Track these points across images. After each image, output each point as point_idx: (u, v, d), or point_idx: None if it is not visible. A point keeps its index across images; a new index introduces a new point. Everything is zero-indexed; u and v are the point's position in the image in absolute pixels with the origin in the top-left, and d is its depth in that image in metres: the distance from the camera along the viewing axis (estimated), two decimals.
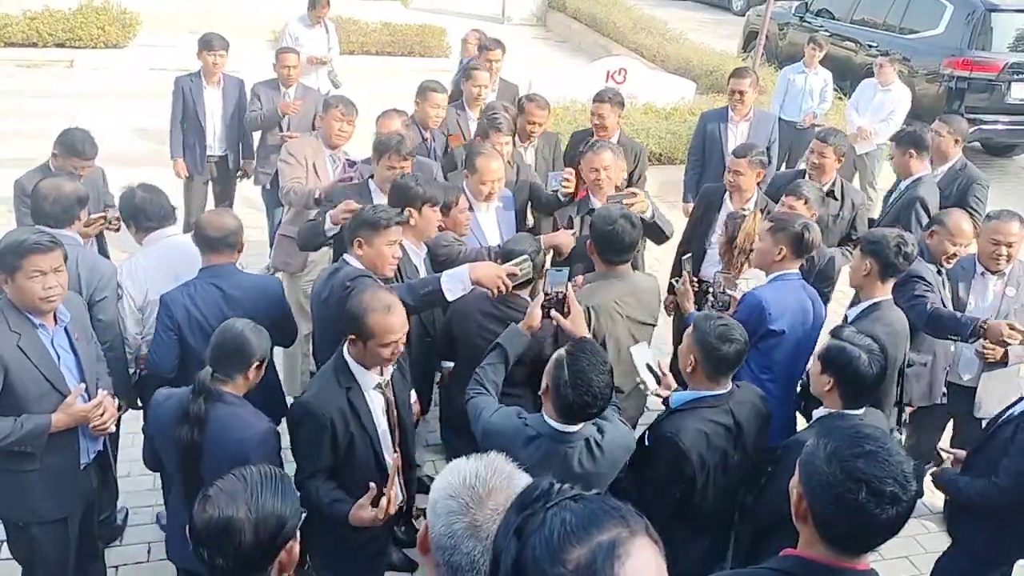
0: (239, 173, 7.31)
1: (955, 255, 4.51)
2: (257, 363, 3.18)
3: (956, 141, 5.80)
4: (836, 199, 5.35)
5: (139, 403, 4.10)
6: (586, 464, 2.81)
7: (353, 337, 3.08)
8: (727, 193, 5.10)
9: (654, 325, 4.10)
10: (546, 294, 3.37)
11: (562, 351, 2.81)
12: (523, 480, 1.76)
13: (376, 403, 3.20)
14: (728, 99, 6.65)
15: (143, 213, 3.94)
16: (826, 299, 4.45)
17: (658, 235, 4.80)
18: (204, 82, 6.83)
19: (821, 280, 4.50)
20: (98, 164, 5.41)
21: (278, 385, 4.06)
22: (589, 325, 3.62)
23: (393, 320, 3.04)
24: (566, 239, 4.39)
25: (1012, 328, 4.04)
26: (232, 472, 2.12)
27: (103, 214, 4.39)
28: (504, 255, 3.86)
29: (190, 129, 6.88)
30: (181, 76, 6.93)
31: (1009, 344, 4.14)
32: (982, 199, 5.65)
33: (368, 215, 3.69)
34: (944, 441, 4.82)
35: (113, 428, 3.56)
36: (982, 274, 4.50)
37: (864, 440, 1.96)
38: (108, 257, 4.81)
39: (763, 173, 5.10)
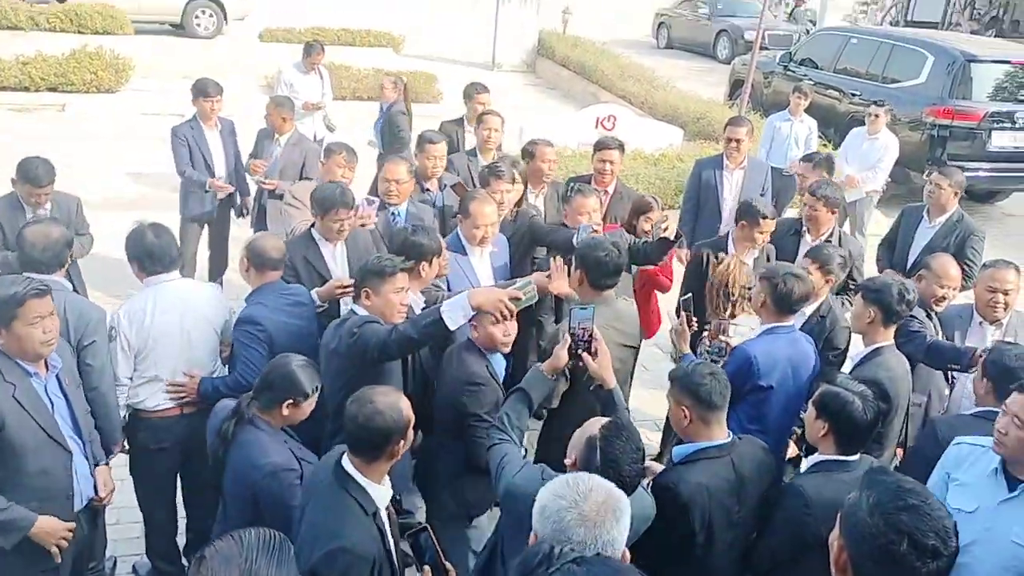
0: (242, 210, 7.30)
1: (943, 298, 4.54)
2: (292, 400, 3.22)
3: (956, 193, 5.81)
4: None
5: (126, 447, 4.07)
6: None
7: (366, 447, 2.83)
8: (730, 241, 5.14)
9: (636, 348, 4.17)
10: (572, 334, 3.28)
11: (596, 430, 2.73)
12: (613, 486, 2.20)
13: (384, 520, 2.95)
14: (724, 147, 6.70)
15: (150, 257, 3.90)
16: (835, 367, 4.41)
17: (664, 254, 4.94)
18: (203, 126, 6.87)
19: (829, 348, 4.38)
20: (90, 204, 5.48)
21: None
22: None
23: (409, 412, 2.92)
24: (541, 279, 4.39)
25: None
26: (231, 533, 2.10)
27: None
28: None
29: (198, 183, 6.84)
30: (178, 126, 6.92)
31: None
32: (978, 250, 5.66)
33: (373, 264, 3.73)
34: None
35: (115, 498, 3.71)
36: (980, 324, 4.51)
37: (907, 494, 1.98)
38: (84, 293, 5.05)
39: (837, 213, 5.32)
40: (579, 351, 3.29)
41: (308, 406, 3.29)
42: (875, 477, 2.11)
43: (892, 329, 4.04)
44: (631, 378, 4.29)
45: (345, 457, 2.84)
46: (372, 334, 3.49)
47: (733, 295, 4.69)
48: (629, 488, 2.69)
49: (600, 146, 6.00)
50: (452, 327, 3.41)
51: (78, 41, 13.71)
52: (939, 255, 4.68)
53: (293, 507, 3.00)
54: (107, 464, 3.78)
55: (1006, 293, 4.37)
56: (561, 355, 3.30)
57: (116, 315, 3.89)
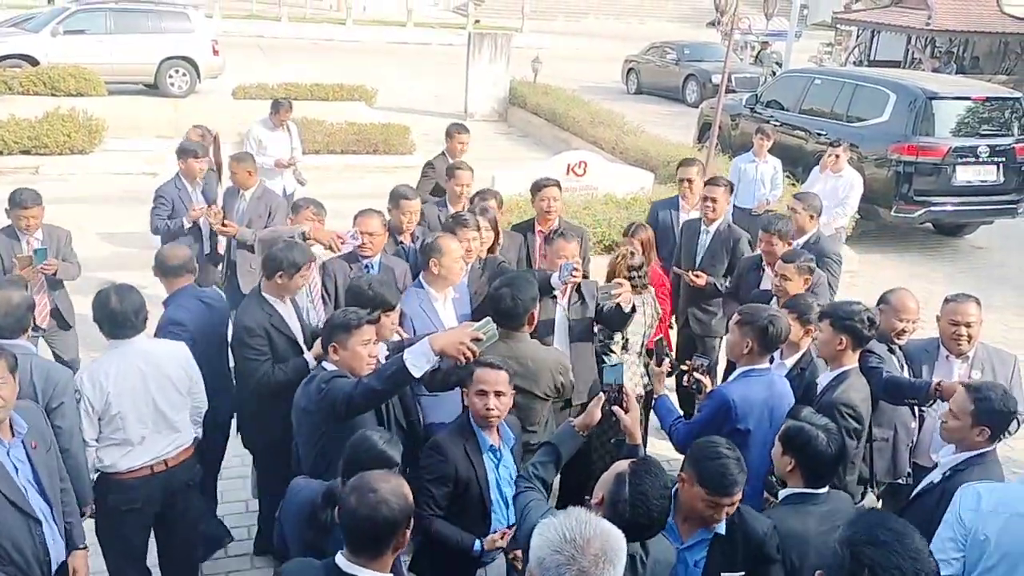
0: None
1: (904, 331, 4.56)
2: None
3: (811, 217, 6.12)
4: None
5: (93, 509, 4.01)
6: None
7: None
8: (773, 299, 5.03)
9: (544, 399, 4.21)
10: (604, 390, 3.38)
11: (626, 467, 2.76)
12: (614, 529, 2.19)
13: None
14: (678, 188, 6.79)
15: (112, 322, 3.89)
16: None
17: (623, 323, 4.92)
18: (188, 186, 6.82)
19: (804, 401, 4.11)
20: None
21: None
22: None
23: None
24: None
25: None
26: None
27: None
28: None
29: (187, 234, 6.69)
30: (164, 186, 6.81)
31: None
32: (833, 273, 5.88)
33: (339, 319, 3.72)
34: None
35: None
36: (947, 357, 4.54)
37: (882, 531, 1.99)
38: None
39: (810, 280, 5.02)
40: (611, 406, 3.37)
41: None
42: (863, 514, 2.14)
43: (858, 352, 4.13)
44: (543, 427, 4.27)
45: (342, 559, 2.57)
46: (338, 389, 3.47)
47: (618, 276, 5.05)
48: (658, 524, 2.74)
49: (539, 186, 6.08)
50: (416, 375, 3.37)
51: (51, 103, 13.74)
52: (897, 289, 4.70)
53: None
54: (85, 548, 3.72)
55: (968, 326, 4.41)
56: (595, 413, 3.37)
57: (80, 377, 3.87)
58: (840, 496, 3.31)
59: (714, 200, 6.30)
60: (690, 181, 6.66)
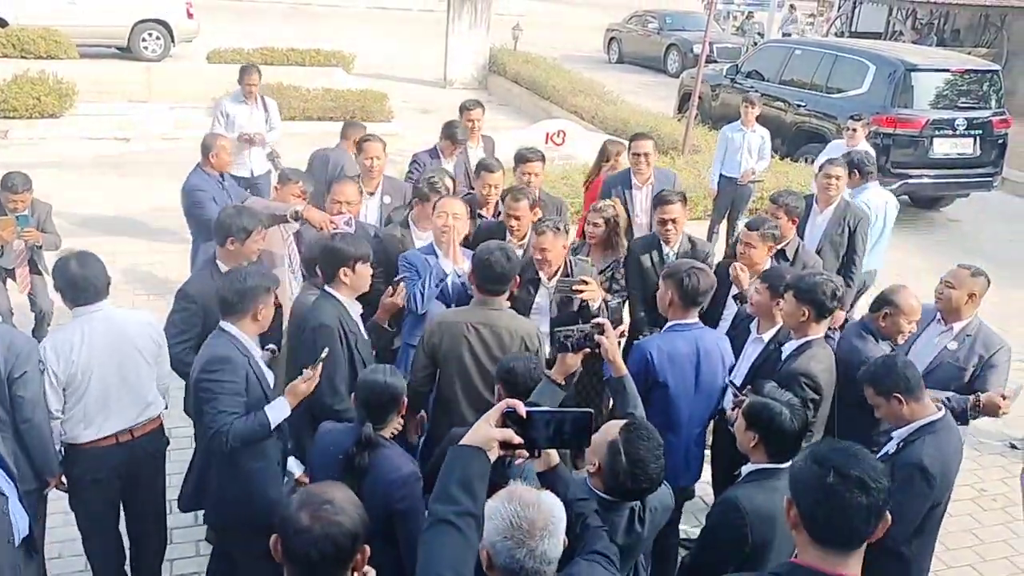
0: None
1: (910, 332, 4.48)
2: (400, 406, 3.32)
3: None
4: (787, 259, 5.34)
5: (63, 482, 3.96)
6: (630, 534, 2.81)
7: None
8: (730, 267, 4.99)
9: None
10: (570, 344, 3.30)
11: (617, 432, 2.73)
12: (549, 498, 2.23)
13: None
14: (631, 162, 6.57)
15: (74, 287, 3.79)
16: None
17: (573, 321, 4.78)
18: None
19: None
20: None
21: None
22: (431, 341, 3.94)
23: None
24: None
25: (1004, 397, 4.10)
26: None
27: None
28: None
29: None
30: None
31: (1004, 414, 4.16)
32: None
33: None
34: None
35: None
36: (937, 321, 4.56)
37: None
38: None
39: (774, 247, 5.01)
40: (592, 349, 3.32)
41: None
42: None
43: (824, 323, 4.11)
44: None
45: None
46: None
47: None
48: (657, 485, 2.76)
49: (522, 159, 5.96)
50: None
51: (21, 66, 13.44)
52: (900, 291, 4.48)
53: (422, 515, 2.90)
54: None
55: (675, 222, 5.15)
56: (567, 359, 3.29)
57: (43, 347, 3.78)
58: None
59: (674, 222, 5.26)
60: (646, 155, 6.43)
